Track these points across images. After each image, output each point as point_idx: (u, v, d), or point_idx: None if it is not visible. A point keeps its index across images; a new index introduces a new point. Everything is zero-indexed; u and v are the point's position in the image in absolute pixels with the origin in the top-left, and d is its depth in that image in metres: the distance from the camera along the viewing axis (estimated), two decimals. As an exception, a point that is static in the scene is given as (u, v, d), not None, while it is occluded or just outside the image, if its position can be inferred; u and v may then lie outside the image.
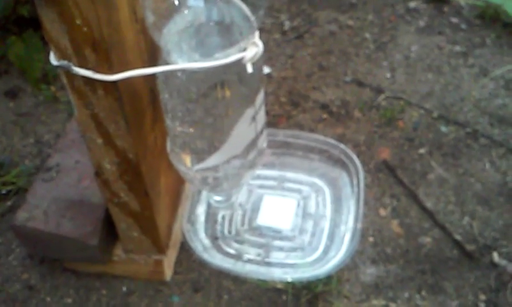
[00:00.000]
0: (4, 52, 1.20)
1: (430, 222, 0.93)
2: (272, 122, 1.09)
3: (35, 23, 1.21)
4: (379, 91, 1.16)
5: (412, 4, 1.40)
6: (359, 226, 0.81)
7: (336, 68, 1.22)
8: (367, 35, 1.32)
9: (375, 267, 0.87)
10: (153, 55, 0.67)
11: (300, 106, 1.13)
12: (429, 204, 0.95)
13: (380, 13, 1.38)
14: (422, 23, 1.35)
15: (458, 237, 0.90)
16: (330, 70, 1.22)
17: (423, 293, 0.84)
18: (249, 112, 0.67)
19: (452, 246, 0.89)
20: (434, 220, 0.93)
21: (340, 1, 1.42)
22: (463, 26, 1.33)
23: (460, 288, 0.84)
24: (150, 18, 0.60)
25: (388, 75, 1.21)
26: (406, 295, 0.84)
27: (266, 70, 1.22)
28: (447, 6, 1.40)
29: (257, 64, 0.63)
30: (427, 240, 0.90)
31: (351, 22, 1.36)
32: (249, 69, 0.60)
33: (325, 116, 1.11)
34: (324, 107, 1.13)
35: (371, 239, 0.91)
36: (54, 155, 0.88)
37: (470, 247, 0.89)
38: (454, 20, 1.35)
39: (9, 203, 0.98)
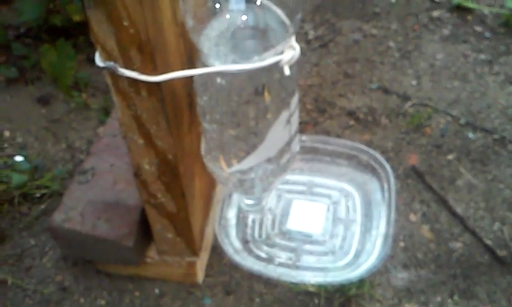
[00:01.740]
0: (37, 60, 1.23)
1: (460, 227, 0.93)
2: (299, 129, 1.10)
3: (67, 32, 1.24)
4: (405, 98, 1.17)
5: (436, 13, 1.41)
6: (391, 231, 0.81)
7: (361, 76, 1.23)
8: (391, 43, 1.33)
9: (406, 271, 0.87)
10: (191, 59, 0.69)
11: (326, 113, 1.14)
12: (459, 210, 0.95)
13: (404, 22, 1.39)
14: (446, 31, 1.36)
15: (489, 242, 0.90)
16: (356, 78, 1.23)
17: (455, 297, 0.84)
18: (285, 114, 0.68)
19: (483, 251, 0.89)
20: (465, 226, 0.93)
21: (364, 10, 1.43)
22: (487, 34, 1.33)
23: (492, 294, 0.84)
24: (190, 22, 0.61)
25: (414, 82, 1.21)
26: (438, 299, 0.84)
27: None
28: (470, 14, 1.40)
29: (293, 68, 0.65)
30: (458, 245, 0.91)
31: (374, 31, 1.37)
32: (287, 72, 0.61)
33: (352, 122, 1.12)
34: (351, 113, 1.14)
35: (402, 244, 0.91)
36: (89, 158, 0.90)
37: (501, 253, 0.88)
38: (478, 28, 1.36)
39: (43, 207, 1.00)
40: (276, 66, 0.61)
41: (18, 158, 1.02)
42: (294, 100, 0.70)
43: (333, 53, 1.30)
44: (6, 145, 1.11)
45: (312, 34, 1.37)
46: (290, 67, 0.62)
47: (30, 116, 1.18)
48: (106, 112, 1.16)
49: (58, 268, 0.91)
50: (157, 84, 0.58)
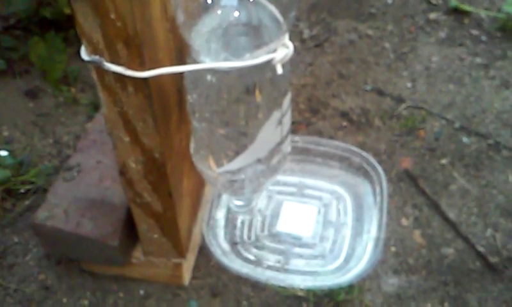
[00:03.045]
0: (26, 53, 1.20)
1: (452, 233, 0.91)
2: (291, 129, 1.08)
3: (57, 25, 1.22)
4: (399, 100, 1.15)
5: (432, 16, 1.40)
6: (383, 235, 0.80)
7: (356, 77, 1.22)
8: (387, 45, 1.31)
9: (397, 277, 0.86)
10: (181, 55, 0.67)
11: (319, 113, 1.13)
12: (451, 215, 0.93)
13: (400, 24, 1.38)
14: (442, 34, 1.34)
15: (481, 249, 0.88)
16: (350, 78, 1.21)
17: (446, 304, 0.83)
18: (276, 115, 0.67)
19: (475, 258, 0.88)
20: (457, 231, 0.91)
21: (360, 11, 1.42)
22: (484, 38, 1.32)
23: (483, 301, 0.83)
24: (181, 17, 0.59)
25: (409, 84, 1.20)
26: (429, 306, 0.82)
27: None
28: (467, 17, 1.39)
29: (286, 67, 0.63)
30: (449, 251, 0.89)
31: (370, 32, 1.35)
32: (279, 70, 0.60)
33: (345, 123, 1.11)
34: (344, 114, 1.12)
35: (393, 249, 0.89)
36: (75, 154, 0.87)
37: (493, 259, 0.87)
38: (475, 32, 1.34)
39: (27, 202, 0.97)
40: (269, 65, 0.59)
41: (3, 153, 1.00)
42: (287, 100, 0.68)
43: (327, 53, 1.29)
44: (-9, 139, 1.08)
45: (306, 33, 1.35)
46: (283, 66, 0.60)
47: (17, 110, 1.15)
48: (95, 107, 1.14)
49: (41, 266, 0.89)
50: (144, 80, 0.56)
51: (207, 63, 0.58)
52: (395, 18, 1.39)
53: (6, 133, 1.10)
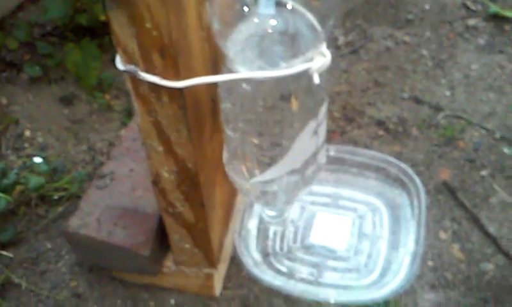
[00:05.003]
0: (61, 60, 1.21)
1: (493, 247, 0.88)
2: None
3: (92, 32, 1.23)
4: (438, 109, 1.12)
5: (471, 22, 1.36)
6: (421, 249, 0.77)
7: (392, 84, 1.19)
8: (424, 52, 1.28)
9: (434, 292, 0.83)
10: (216, 64, 0.65)
11: (355, 122, 1.10)
12: (491, 229, 0.90)
13: (438, 30, 1.34)
14: (481, 41, 1.30)
15: (524, 266, 0.85)
16: (386, 86, 1.18)
17: (486, 323, 0.79)
18: (312, 125, 0.65)
19: (517, 275, 0.85)
20: (498, 246, 0.88)
21: (396, 17, 1.39)
22: (526, 45, 1.28)
23: (526, 321, 0.79)
24: (216, 26, 0.58)
25: (448, 93, 1.16)
26: (468, 324, 0.79)
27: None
28: (507, 24, 1.34)
29: (323, 76, 0.61)
30: (489, 266, 0.86)
31: (407, 38, 1.32)
32: (316, 80, 0.58)
33: (381, 132, 1.08)
34: (380, 123, 1.10)
35: (430, 263, 0.86)
36: (108, 162, 0.87)
37: (536, 277, 0.83)
38: (516, 38, 1.30)
39: (60, 209, 0.98)
40: (305, 74, 0.58)
41: (37, 160, 1.00)
42: (322, 110, 0.66)
43: (363, 60, 1.26)
44: (26, 145, 1.09)
45: (342, 40, 1.33)
46: (320, 75, 0.58)
47: (52, 116, 1.16)
48: (129, 114, 1.14)
49: (73, 273, 0.89)
50: (179, 90, 0.56)
51: (242, 72, 0.57)
52: (433, 24, 1.36)
53: (40, 140, 1.11)
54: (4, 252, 0.91)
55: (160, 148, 0.63)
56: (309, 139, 0.67)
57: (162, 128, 0.60)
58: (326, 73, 0.63)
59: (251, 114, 0.62)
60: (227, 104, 0.64)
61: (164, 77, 0.54)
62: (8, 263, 0.90)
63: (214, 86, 0.64)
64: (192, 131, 0.61)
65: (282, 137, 0.65)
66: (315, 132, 0.67)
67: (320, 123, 0.67)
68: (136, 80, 0.56)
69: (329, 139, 1.07)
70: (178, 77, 0.54)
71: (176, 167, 0.65)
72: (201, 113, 0.64)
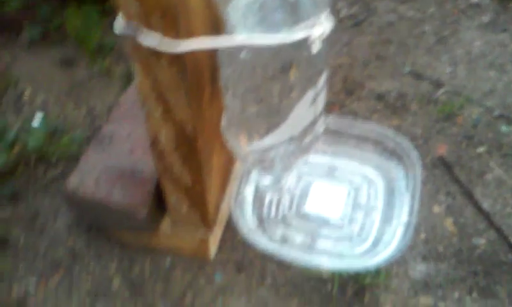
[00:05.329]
0: (62, 23, 1.21)
1: (485, 223, 0.89)
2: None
3: (94, -5, 1.22)
4: (438, 84, 1.12)
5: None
6: (414, 221, 0.78)
7: (394, 59, 1.19)
8: (427, 27, 1.27)
9: (425, 264, 0.84)
10: (217, 31, 0.65)
11: (354, 94, 1.11)
12: (485, 205, 0.91)
13: (441, 6, 1.33)
14: (485, 19, 1.30)
15: (515, 242, 0.86)
16: (388, 60, 1.18)
17: (474, 295, 0.81)
18: (311, 93, 0.65)
19: (507, 250, 0.86)
20: (490, 222, 0.89)
21: (400, -9, 1.38)
22: (529, 24, 1.27)
23: (514, 294, 0.81)
24: (218, -10, 0.58)
25: (449, 69, 1.16)
26: (456, 295, 0.81)
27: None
28: (511, 2, 1.33)
29: (324, 45, 0.61)
30: (481, 241, 0.87)
31: (410, 13, 1.31)
32: (316, 48, 0.58)
33: (380, 106, 1.08)
34: (380, 97, 1.10)
35: (423, 236, 0.88)
36: (108, 124, 0.88)
37: (526, 253, 0.85)
38: (520, 17, 1.29)
39: (59, 170, 0.99)
40: (305, 42, 0.58)
41: (36, 120, 1.01)
42: (322, 79, 0.66)
43: (366, 33, 1.26)
44: (25, 106, 1.10)
45: (344, 12, 1.32)
46: (320, 44, 0.59)
47: (52, 79, 1.16)
48: (129, 79, 1.14)
49: (70, 232, 0.90)
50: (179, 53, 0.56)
51: (244, 39, 0.57)
52: (437, 0, 1.35)
53: (40, 102, 1.11)
54: (2, 208, 0.92)
55: (159, 111, 0.63)
56: (308, 108, 0.67)
57: (161, 91, 0.61)
58: (327, 43, 0.63)
59: (250, 81, 0.63)
60: (227, 71, 0.64)
61: (164, 40, 0.54)
62: (6, 220, 0.91)
63: (214, 51, 0.64)
64: (191, 95, 0.61)
65: (281, 104, 0.65)
66: (314, 101, 0.67)
67: (319, 93, 0.67)
68: (136, 43, 0.56)
69: (329, 111, 1.07)
70: (178, 39, 0.54)
71: (175, 131, 0.65)
72: (201, 78, 0.64)
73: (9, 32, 1.25)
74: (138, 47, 0.57)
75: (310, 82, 0.64)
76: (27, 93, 1.12)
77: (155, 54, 0.57)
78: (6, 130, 0.94)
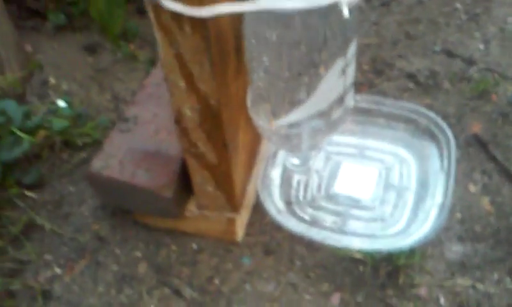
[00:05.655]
0: (86, 8, 1.20)
1: (524, 202, 0.85)
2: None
3: (117, -21, 1.20)
4: (470, 62, 1.08)
5: (509, -25, 1.30)
6: (449, 201, 0.74)
7: (424, 37, 1.15)
8: (458, 5, 1.23)
9: (462, 244, 0.81)
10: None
11: (384, 74, 1.07)
12: (524, 184, 0.87)
13: (473, -17, 1.29)
14: (519, -6, 1.25)
15: (557, 221, 0.82)
16: (418, 39, 1.14)
17: (514, 277, 0.77)
18: (340, 63, 0.63)
19: (549, 230, 0.82)
20: (529, 201, 0.85)
21: (429, -31, 1.34)
22: None
23: (556, 276, 0.77)
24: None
25: (481, 46, 1.12)
26: (495, 276, 0.77)
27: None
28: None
29: (354, 11, 0.58)
30: (520, 221, 0.83)
31: (440, -9, 1.27)
32: (346, 13, 0.55)
33: (411, 85, 1.05)
34: (411, 76, 1.06)
35: (459, 215, 0.84)
36: (132, 107, 0.86)
37: None
38: (556, -8, 1.24)
39: (84, 155, 0.98)
40: (335, 8, 0.55)
41: (61, 104, 1.00)
42: (352, 49, 0.64)
43: (394, 12, 1.22)
44: (50, 92, 1.09)
45: (372, -8, 1.29)
46: (350, 10, 0.56)
47: (76, 64, 1.16)
48: (153, 64, 1.13)
49: (96, 217, 0.89)
50: (202, 19, 0.54)
51: (269, 2, 0.55)
52: (468, -23, 1.31)
53: (64, 87, 1.11)
54: (28, 193, 0.92)
55: (183, 83, 0.61)
56: (337, 79, 0.64)
57: (185, 61, 0.59)
58: (357, 9, 0.60)
59: (275, 53, 0.60)
60: (252, 40, 0.62)
61: (187, 4, 0.52)
62: (31, 205, 0.91)
63: (238, 21, 0.61)
64: (216, 66, 0.59)
65: (309, 76, 0.63)
66: (343, 72, 0.64)
67: (348, 63, 0.65)
68: (158, 9, 0.54)
69: (357, 91, 1.04)
70: (201, 4, 0.52)
71: (199, 104, 0.63)
72: (225, 48, 0.62)
73: (34, 19, 1.24)
74: (161, 13, 0.55)
75: (340, 50, 0.61)
76: (51, 78, 1.12)
77: (178, 21, 0.55)
78: (30, 116, 0.94)
